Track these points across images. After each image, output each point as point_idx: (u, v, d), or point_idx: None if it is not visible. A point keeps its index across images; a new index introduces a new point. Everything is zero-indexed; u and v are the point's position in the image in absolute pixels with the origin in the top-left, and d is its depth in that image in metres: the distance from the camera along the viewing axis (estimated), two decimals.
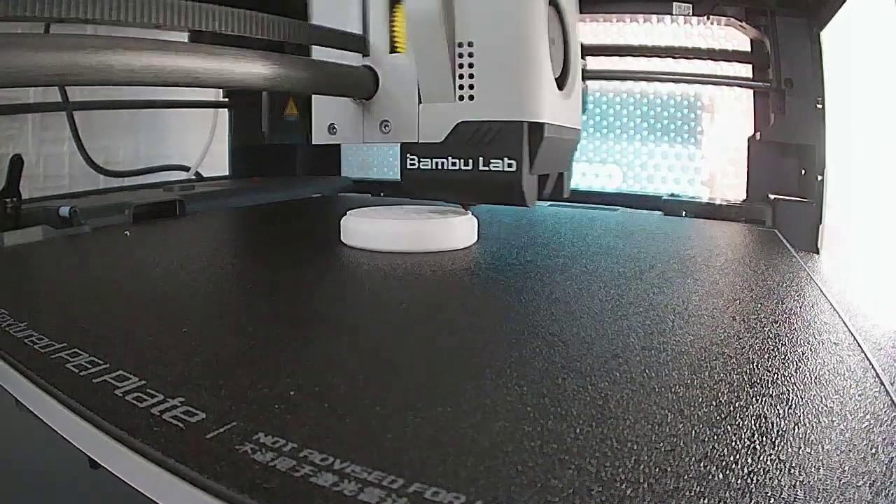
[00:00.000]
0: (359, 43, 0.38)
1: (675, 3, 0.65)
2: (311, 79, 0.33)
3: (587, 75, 0.72)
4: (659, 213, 0.63)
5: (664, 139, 0.71)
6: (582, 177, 0.74)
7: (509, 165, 0.35)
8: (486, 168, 0.36)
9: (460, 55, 0.35)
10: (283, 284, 0.32)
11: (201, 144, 0.79)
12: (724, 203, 0.63)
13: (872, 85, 0.65)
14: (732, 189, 0.69)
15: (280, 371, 0.20)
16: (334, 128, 0.40)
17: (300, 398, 0.18)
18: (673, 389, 0.19)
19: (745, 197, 0.66)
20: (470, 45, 0.35)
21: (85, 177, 0.75)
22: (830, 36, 0.61)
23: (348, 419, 0.17)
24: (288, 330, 0.25)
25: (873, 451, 0.16)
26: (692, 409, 0.18)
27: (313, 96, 0.41)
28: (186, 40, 0.55)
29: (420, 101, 0.37)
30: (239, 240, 0.50)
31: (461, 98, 0.36)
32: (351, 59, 0.38)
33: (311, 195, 0.73)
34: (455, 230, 0.40)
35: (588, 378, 0.20)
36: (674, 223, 0.57)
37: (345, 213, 0.42)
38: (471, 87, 0.35)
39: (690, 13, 0.65)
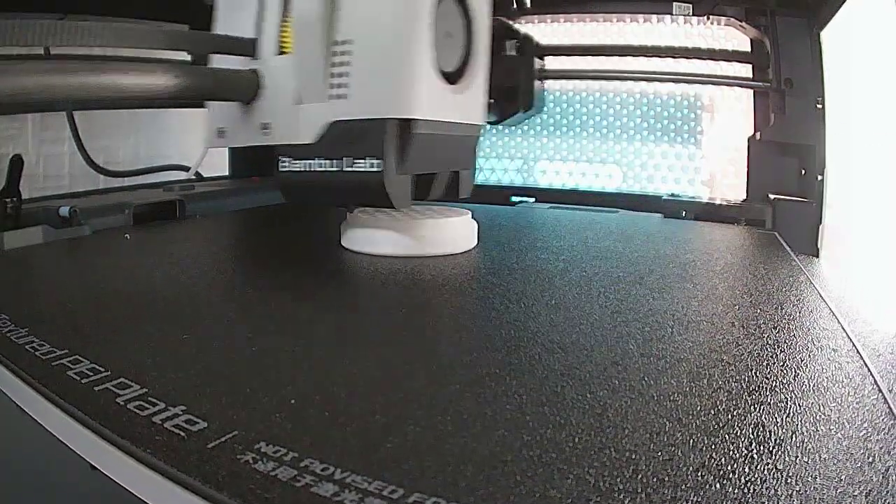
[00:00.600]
0: (245, 46, 0.38)
1: (675, 3, 0.65)
2: (183, 85, 0.33)
3: (586, 75, 0.72)
4: (659, 215, 0.63)
5: (664, 139, 0.71)
6: (582, 177, 0.74)
7: (373, 165, 0.34)
8: (352, 168, 0.35)
9: (337, 53, 0.35)
10: (283, 289, 0.32)
11: (201, 144, 0.79)
12: (724, 203, 0.63)
13: (872, 85, 0.65)
14: (732, 189, 0.69)
15: (280, 379, 0.20)
16: (223, 131, 0.40)
17: (301, 406, 0.18)
18: (671, 398, 0.19)
19: (745, 197, 0.66)
20: (348, 42, 0.34)
21: (85, 177, 0.75)
22: (830, 36, 0.61)
23: (349, 428, 0.17)
24: (288, 336, 0.25)
25: (870, 459, 0.16)
26: (690, 417, 0.18)
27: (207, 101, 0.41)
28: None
29: (300, 102, 0.36)
30: (239, 243, 0.50)
31: (336, 97, 0.35)
32: (244, 63, 0.38)
33: None
34: (455, 234, 0.40)
35: (587, 386, 0.20)
36: (673, 226, 0.57)
37: (345, 217, 0.42)
38: (345, 85, 0.35)
39: (690, 13, 0.65)
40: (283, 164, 0.37)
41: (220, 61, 0.40)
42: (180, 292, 0.32)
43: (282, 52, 0.37)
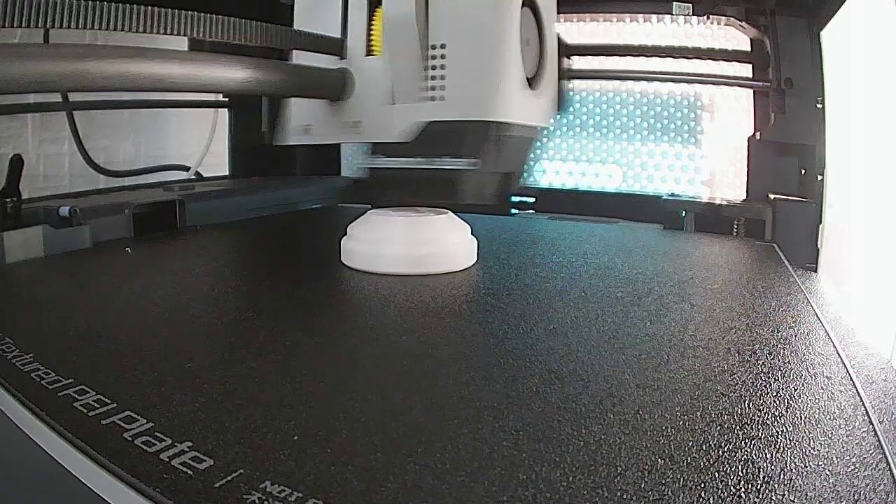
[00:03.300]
0: (335, 46, 0.39)
1: (675, 3, 0.65)
2: (282, 81, 0.34)
3: (586, 75, 0.72)
4: (658, 226, 0.63)
5: (664, 139, 0.71)
6: (582, 177, 0.75)
7: (472, 164, 0.36)
8: (446, 167, 0.36)
9: (432, 56, 0.36)
10: (285, 314, 0.32)
11: (201, 144, 0.79)
12: (724, 203, 0.63)
13: (872, 85, 0.65)
14: (732, 189, 0.69)
15: (283, 413, 0.21)
16: (309, 128, 0.41)
17: (304, 443, 0.19)
18: (665, 432, 0.19)
19: (745, 197, 0.66)
20: (443, 46, 0.36)
21: (85, 177, 0.75)
22: (830, 36, 0.61)
23: (350, 467, 0.18)
24: (291, 365, 0.25)
25: (856, 497, 0.16)
26: (682, 453, 0.18)
27: (291, 99, 0.42)
28: (187, 48, 0.54)
29: (392, 102, 0.38)
30: (239, 260, 0.50)
31: (432, 98, 0.36)
32: (329, 62, 0.39)
33: (311, 195, 0.73)
34: (455, 252, 0.40)
35: (583, 420, 0.20)
36: (672, 239, 0.57)
37: (345, 232, 0.42)
38: (441, 87, 0.36)
39: (690, 13, 0.65)
40: (375, 161, 0.39)
41: (299, 59, 0.40)
42: (182, 316, 0.32)
43: (370, 54, 0.39)
